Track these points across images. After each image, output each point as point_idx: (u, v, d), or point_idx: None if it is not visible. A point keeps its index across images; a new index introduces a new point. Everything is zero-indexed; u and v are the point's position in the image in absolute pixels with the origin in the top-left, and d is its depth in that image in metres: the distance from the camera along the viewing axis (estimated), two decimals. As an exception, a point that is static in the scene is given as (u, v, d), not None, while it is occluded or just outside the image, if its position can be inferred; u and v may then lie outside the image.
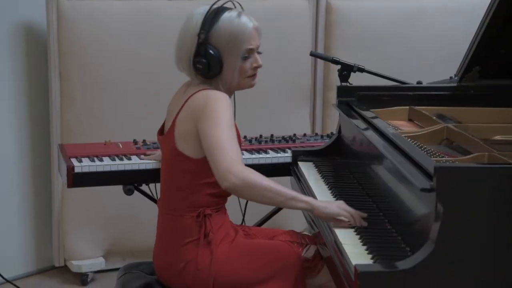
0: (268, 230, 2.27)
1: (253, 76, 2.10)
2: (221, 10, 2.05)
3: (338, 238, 1.81)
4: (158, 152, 2.52)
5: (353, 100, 2.47)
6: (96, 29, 3.23)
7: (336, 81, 2.60)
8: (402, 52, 3.59)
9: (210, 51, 2.02)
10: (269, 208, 2.81)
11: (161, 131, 2.19)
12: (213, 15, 2.03)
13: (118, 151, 2.60)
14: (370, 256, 1.68)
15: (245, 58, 2.06)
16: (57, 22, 3.19)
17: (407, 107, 2.47)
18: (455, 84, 2.53)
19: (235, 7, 2.10)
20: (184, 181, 2.07)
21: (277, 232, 2.24)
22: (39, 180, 3.38)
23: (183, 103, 2.07)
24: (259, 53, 2.11)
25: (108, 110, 3.29)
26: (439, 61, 3.52)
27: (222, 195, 2.09)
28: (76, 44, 3.22)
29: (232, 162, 1.89)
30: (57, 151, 2.80)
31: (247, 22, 2.05)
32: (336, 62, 2.58)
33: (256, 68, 2.09)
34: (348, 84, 2.56)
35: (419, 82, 2.62)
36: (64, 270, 3.42)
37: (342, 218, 1.90)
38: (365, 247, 1.74)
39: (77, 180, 2.46)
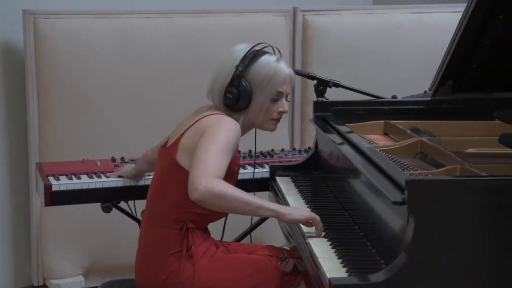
0: (247, 245, 2.29)
1: (277, 120, 2.19)
2: (262, 52, 2.16)
3: (314, 251, 1.82)
4: (125, 168, 2.53)
5: (329, 115, 2.50)
6: (74, 46, 3.24)
7: (313, 96, 2.63)
8: (378, 67, 3.63)
9: (243, 83, 2.10)
10: (247, 224, 2.82)
11: (164, 144, 2.22)
12: (253, 54, 2.13)
13: (96, 169, 2.60)
14: (345, 269, 1.70)
15: (274, 100, 2.15)
16: (34, 40, 3.19)
17: (382, 121, 2.50)
18: (429, 98, 2.57)
19: (274, 53, 2.19)
20: (176, 194, 2.09)
21: (256, 247, 2.26)
22: (17, 198, 3.36)
23: (195, 120, 2.12)
24: (287, 100, 2.20)
25: (87, 128, 3.29)
26: (414, 76, 3.56)
27: (206, 217, 2.12)
28: (54, 62, 3.22)
29: (205, 174, 1.92)
30: (34, 170, 2.79)
31: (284, 67, 2.15)
32: (312, 77, 2.61)
33: (281, 112, 2.18)
34: (324, 99, 2.58)
35: (394, 97, 2.66)
36: (43, 289, 3.40)
37: (307, 223, 1.95)
38: (340, 260, 1.75)
39: (54, 198, 2.46)
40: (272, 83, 2.13)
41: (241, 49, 2.15)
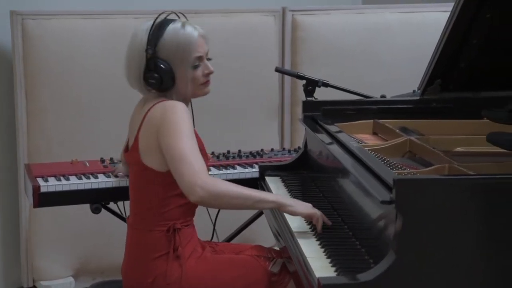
0: (235, 245, 2.29)
1: (206, 83, 2.12)
2: (165, 22, 2.07)
3: (303, 251, 1.82)
4: (120, 166, 2.52)
5: (318, 114, 2.50)
6: (62, 47, 3.22)
7: (303, 96, 2.63)
8: (367, 67, 3.64)
9: (161, 65, 2.04)
10: (238, 224, 2.82)
11: (126, 148, 2.20)
12: (157, 29, 2.05)
13: (85, 170, 2.59)
14: (333, 268, 1.70)
15: (195, 67, 2.09)
16: (22, 41, 3.17)
17: (371, 120, 2.50)
18: (417, 98, 2.57)
19: (179, 17, 2.12)
20: (153, 195, 2.08)
21: (244, 247, 2.25)
22: (6, 200, 3.35)
23: (142, 117, 2.08)
24: (209, 59, 2.13)
25: (75, 129, 3.28)
26: (404, 75, 3.56)
27: (191, 205, 2.10)
28: (42, 63, 3.21)
29: (197, 175, 1.91)
30: (23, 171, 2.78)
31: (192, 31, 2.07)
32: (301, 77, 2.61)
33: (207, 74, 2.11)
34: (313, 99, 2.58)
35: (383, 96, 2.66)
36: (33, 291, 3.38)
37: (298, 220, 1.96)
38: (329, 260, 1.76)
39: (43, 200, 2.44)
40: (187, 52, 2.04)
41: (144, 28, 2.06)
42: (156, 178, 2.05)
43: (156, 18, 2.08)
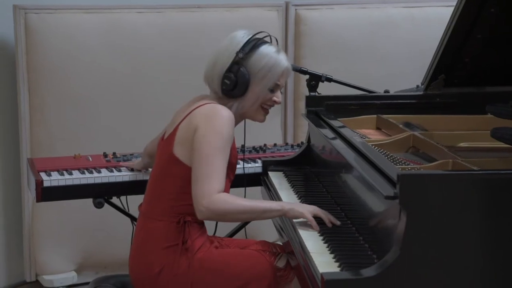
0: (240, 241, 2.29)
1: (267, 110, 2.19)
2: (263, 41, 2.14)
3: (306, 246, 1.82)
4: (136, 161, 2.54)
5: (321, 109, 2.50)
6: (65, 42, 3.22)
7: (306, 91, 2.62)
8: (370, 62, 3.63)
9: (242, 70, 2.09)
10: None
11: (162, 137, 2.22)
12: (254, 42, 2.12)
13: (88, 164, 2.59)
14: (337, 264, 1.70)
15: (271, 91, 2.15)
16: (25, 35, 3.17)
17: (375, 115, 2.50)
18: (421, 93, 2.57)
19: (272, 42, 2.18)
20: (173, 187, 2.10)
21: (249, 242, 2.26)
22: (9, 195, 3.35)
23: (189, 111, 2.12)
24: (281, 93, 2.20)
25: (78, 124, 3.28)
26: (407, 70, 3.56)
27: None
28: (45, 57, 3.20)
29: (204, 193, 1.98)
30: (26, 166, 2.78)
31: (284, 59, 2.15)
32: (304, 72, 2.60)
33: (274, 102, 2.17)
34: (316, 94, 2.58)
35: (386, 91, 2.66)
36: (35, 285, 3.38)
37: (312, 220, 1.96)
38: (332, 255, 1.75)
39: (46, 194, 2.45)
40: (271, 73, 2.12)
41: (242, 35, 2.13)
42: (181, 170, 2.08)
43: (256, 33, 2.14)
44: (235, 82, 2.09)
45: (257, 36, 2.14)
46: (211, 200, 1.97)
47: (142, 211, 2.20)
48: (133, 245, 2.19)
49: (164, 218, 2.11)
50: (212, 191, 1.98)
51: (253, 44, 2.11)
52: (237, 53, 2.09)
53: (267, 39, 2.17)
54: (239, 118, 2.18)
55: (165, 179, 2.13)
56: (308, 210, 1.99)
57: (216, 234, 2.53)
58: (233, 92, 2.11)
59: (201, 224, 2.15)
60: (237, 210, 2.00)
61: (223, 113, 2.06)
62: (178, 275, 2.07)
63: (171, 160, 2.11)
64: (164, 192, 2.13)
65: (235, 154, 2.18)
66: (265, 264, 2.12)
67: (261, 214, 2.03)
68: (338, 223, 1.96)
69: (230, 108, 2.12)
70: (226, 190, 2.10)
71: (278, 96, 2.17)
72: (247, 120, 3.49)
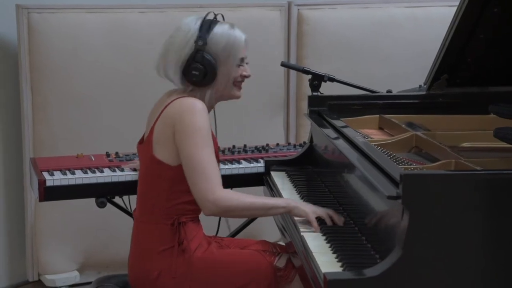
0: (240, 241, 2.29)
1: (239, 86, 2.17)
2: (214, 22, 2.12)
3: (309, 246, 1.82)
4: (137, 161, 2.53)
5: (324, 109, 2.50)
6: (68, 41, 3.22)
7: (308, 91, 2.62)
8: (373, 62, 3.62)
9: (207, 57, 2.07)
10: (242, 219, 2.82)
11: (141, 141, 2.21)
12: (208, 26, 2.10)
13: (91, 164, 2.59)
14: (339, 264, 1.70)
15: (238, 66, 2.14)
16: (28, 35, 3.17)
17: (377, 115, 2.50)
18: (424, 93, 2.57)
19: (222, 19, 2.16)
20: (161, 189, 2.09)
21: (249, 242, 2.25)
22: (12, 194, 3.35)
23: (161, 111, 2.10)
24: (247, 63, 2.19)
25: (81, 123, 3.28)
26: (409, 70, 3.56)
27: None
28: (47, 57, 3.20)
29: (209, 190, 1.98)
30: (29, 165, 2.78)
31: (240, 33, 2.14)
32: (306, 72, 2.60)
33: (244, 76, 2.16)
34: (319, 93, 2.58)
35: (389, 91, 2.65)
36: (38, 285, 3.38)
37: (314, 221, 1.97)
38: (335, 255, 1.75)
39: (48, 193, 2.45)
40: (234, 50, 2.10)
41: (193, 23, 2.10)
42: (165, 171, 2.07)
43: (206, 15, 2.12)
44: (204, 70, 2.07)
45: (207, 18, 2.11)
46: (217, 196, 1.97)
47: (135, 216, 2.19)
48: (130, 250, 2.18)
49: (158, 221, 2.09)
50: (214, 187, 1.98)
51: (207, 27, 2.08)
52: (196, 41, 2.07)
53: (214, 17, 2.13)
54: (215, 102, 2.16)
55: (152, 182, 2.11)
56: (313, 211, 2.00)
57: (218, 235, 2.54)
58: (205, 80, 2.09)
59: (196, 223, 2.14)
60: (243, 206, 2.00)
61: (196, 107, 2.04)
62: (177, 277, 2.06)
63: (154, 163, 2.09)
64: (154, 195, 2.11)
65: (216, 141, 2.16)
66: (265, 264, 2.12)
67: (267, 211, 2.04)
68: (342, 222, 1.96)
69: (204, 96, 2.11)
70: None
71: (246, 69, 2.15)
72: (249, 120, 3.52)
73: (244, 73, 2.16)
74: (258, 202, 2.03)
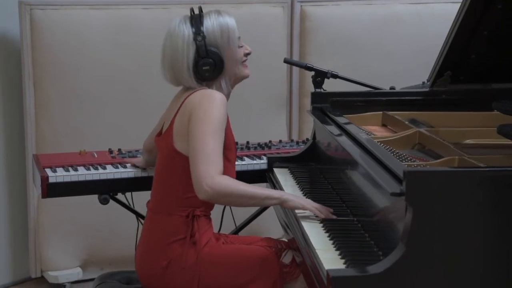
0: (245, 237, 2.29)
1: (246, 64, 2.22)
2: (201, 16, 2.16)
3: (312, 243, 1.82)
4: (140, 158, 2.54)
5: (327, 106, 2.50)
6: (71, 38, 3.22)
7: (311, 87, 2.62)
8: (376, 58, 3.62)
9: (210, 49, 2.12)
10: (246, 216, 2.82)
11: (159, 133, 2.23)
12: (198, 21, 2.14)
13: (93, 161, 2.59)
14: (343, 261, 1.69)
15: (240, 47, 2.20)
16: (31, 31, 3.17)
17: (381, 112, 2.49)
18: (427, 89, 2.56)
19: (207, 12, 2.18)
20: (179, 180, 2.11)
21: (254, 239, 2.26)
22: (15, 191, 3.35)
23: (181, 103, 2.14)
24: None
25: (83, 120, 3.28)
26: (413, 67, 3.55)
27: None
28: (50, 53, 3.20)
29: (208, 175, 1.98)
30: (31, 162, 2.78)
31: (229, 16, 2.19)
32: (309, 68, 2.60)
33: (247, 54, 2.22)
34: (322, 90, 2.57)
35: (392, 88, 2.65)
36: (41, 281, 3.39)
37: (307, 212, 2.02)
38: (338, 252, 1.75)
39: (51, 190, 2.45)
40: (230, 34, 2.16)
41: (182, 24, 2.15)
42: (183, 163, 2.08)
43: (190, 13, 2.17)
44: (213, 63, 2.12)
45: (193, 15, 2.15)
46: (215, 180, 1.98)
47: (150, 207, 2.21)
48: (140, 241, 2.20)
49: (173, 212, 2.12)
50: (213, 172, 1.99)
51: (198, 23, 2.13)
52: (195, 39, 2.11)
53: (198, 11, 2.17)
54: (232, 87, 2.22)
55: (170, 173, 2.14)
56: (308, 203, 2.03)
57: (221, 231, 2.54)
58: (216, 71, 2.14)
59: (208, 219, 2.16)
60: (239, 193, 2.01)
61: (215, 96, 2.09)
62: (186, 268, 2.08)
63: (173, 154, 2.11)
64: (171, 186, 2.13)
65: (231, 135, 2.19)
66: (271, 259, 2.12)
67: (262, 201, 2.06)
68: (332, 216, 2.00)
69: (220, 86, 2.16)
70: (232, 174, 2.13)
71: (246, 47, 2.22)
72: (251, 117, 3.52)
73: (246, 51, 2.21)
74: (254, 191, 2.04)
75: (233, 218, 2.62)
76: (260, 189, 2.08)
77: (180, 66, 2.14)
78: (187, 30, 2.13)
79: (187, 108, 2.10)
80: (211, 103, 2.06)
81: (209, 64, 2.12)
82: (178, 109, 2.13)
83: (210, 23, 2.14)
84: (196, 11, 2.17)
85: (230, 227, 2.77)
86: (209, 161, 1.99)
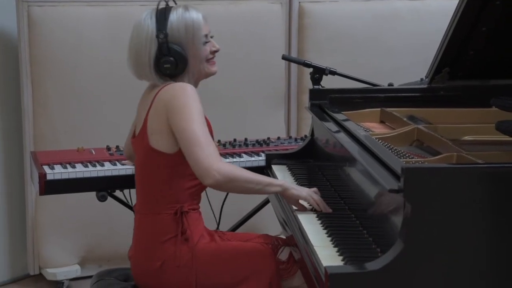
0: (242, 234, 2.29)
1: (212, 61, 2.18)
2: (167, 9, 2.12)
3: (310, 240, 1.82)
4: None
5: (325, 102, 2.49)
6: (68, 35, 3.21)
7: (310, 84, 2.62)
8: (374, 55, 3.62)
9: (174, 47, 2.09)
10: (242, 214, 2.82)
11: (133, 135, 2.20)
12: (162, 16, 2.10)
13: (91, 158, 2.59)
14: (341, 257, 1.69)
15: (204, 44, 2.15)
16: (28, 28, 3.17)
17: (379, 109, 2.49)
18: (425, 86, 2.56)
19: (175, 4, 2.16)
20: (161, 178, 2.09)
21: (251, 235, 2.25)
22: (13, 188, 3.35)
23: (151, 100, 2.11)
24: (211, 37, 2.19)
25: (81, 117, 3.28)
26: (411, 63, 3.55)
27: (197, 188, 2.13)
28: (48, 50, 3.20)
29: (212, 159, 1.97)
30: (29, 159, 2.78)
31: (196, 12, 2.14)
32: (308, 65, 2.59)
33: (214, 52, 2.18)
34: (320, 87, 2.57)
35: (390, 84, 2.64)
36: (39, 278, 3.39)
37: (305, 203, 2.04)
38: (336, 248, 1.75)
39: (49, 187, 2.45)
40: (195, 31, 2.11)
41: (148, 17, 2.11)
42: (163, 160, 2.07)
43: (157, 6, 2.13)
44: (174, 62, 2.09)
45: (159, 8, 2.12)
46: (220, 165, 1.97)
47: (137, 209, 2.19)
48: (132, 243, 2.19)
49: (160, 211, 2.10)
50: (216, 156, 1.98)
51: (163, 18, 2.09)
52: (157, 36, 2.08)
53: (166, 5, 2.13)
54: (196, 84, 2.18)
55: (150, 173, 2.11)
56: (307, 193, 2.04)
57: (219, 229, 2.54)
58: (179, 69, 2.10)
59: (197, 214, 2.14)
60: (244, 178, 2.01)
61: (187, 87, 2.06)
62: (181, 266, 2.07)
63: (150, 153, 2.09)
64: (154, 186, 2.11)
65: (209, 123, 2.16)
66: (267, 256, 2.12)
67: (265, 187, 2.05)
68: (329, 210, 2.01)
69: (184, 82, 2.12)
70: None
71: (213, 44, 2.17)
72: (250, 114, 3.52)
73: (213, 48, 2.17)
74: (258, 177, 2.05)
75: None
76: (262, 176, 2.09)
77: (143, 61, 2.11)
78: (151, 26, 2.09)
79: (160, 104, 2.07)
80: (185, 94, 2.04)
81: (170, 62, 2.08)
82: (149, 108, 2.10)
83: (174, 19, 2.09)
84: (171, 4, 2.13)
85: (228, 224, 2.77)
86: (203, 146, 1.97)
